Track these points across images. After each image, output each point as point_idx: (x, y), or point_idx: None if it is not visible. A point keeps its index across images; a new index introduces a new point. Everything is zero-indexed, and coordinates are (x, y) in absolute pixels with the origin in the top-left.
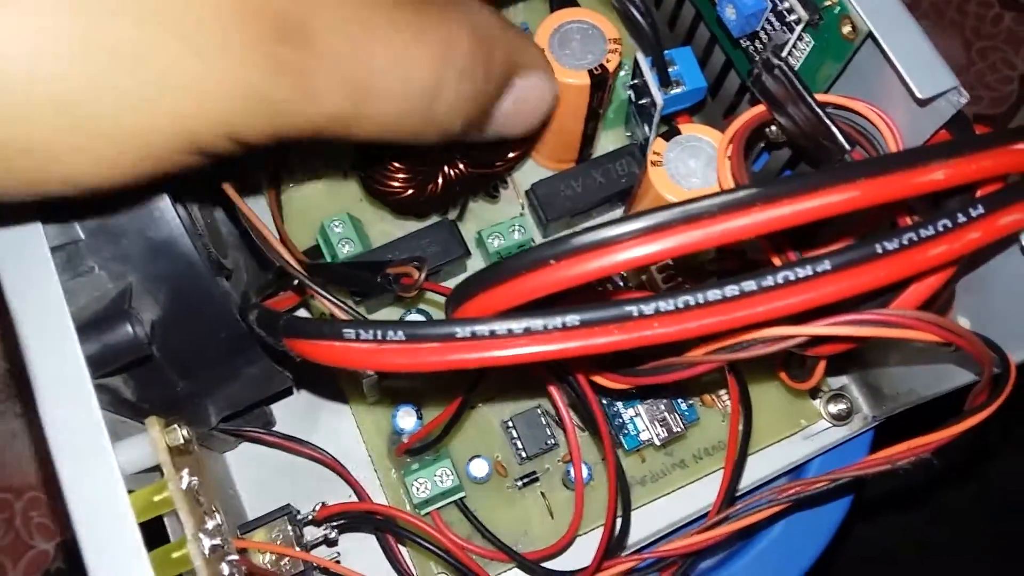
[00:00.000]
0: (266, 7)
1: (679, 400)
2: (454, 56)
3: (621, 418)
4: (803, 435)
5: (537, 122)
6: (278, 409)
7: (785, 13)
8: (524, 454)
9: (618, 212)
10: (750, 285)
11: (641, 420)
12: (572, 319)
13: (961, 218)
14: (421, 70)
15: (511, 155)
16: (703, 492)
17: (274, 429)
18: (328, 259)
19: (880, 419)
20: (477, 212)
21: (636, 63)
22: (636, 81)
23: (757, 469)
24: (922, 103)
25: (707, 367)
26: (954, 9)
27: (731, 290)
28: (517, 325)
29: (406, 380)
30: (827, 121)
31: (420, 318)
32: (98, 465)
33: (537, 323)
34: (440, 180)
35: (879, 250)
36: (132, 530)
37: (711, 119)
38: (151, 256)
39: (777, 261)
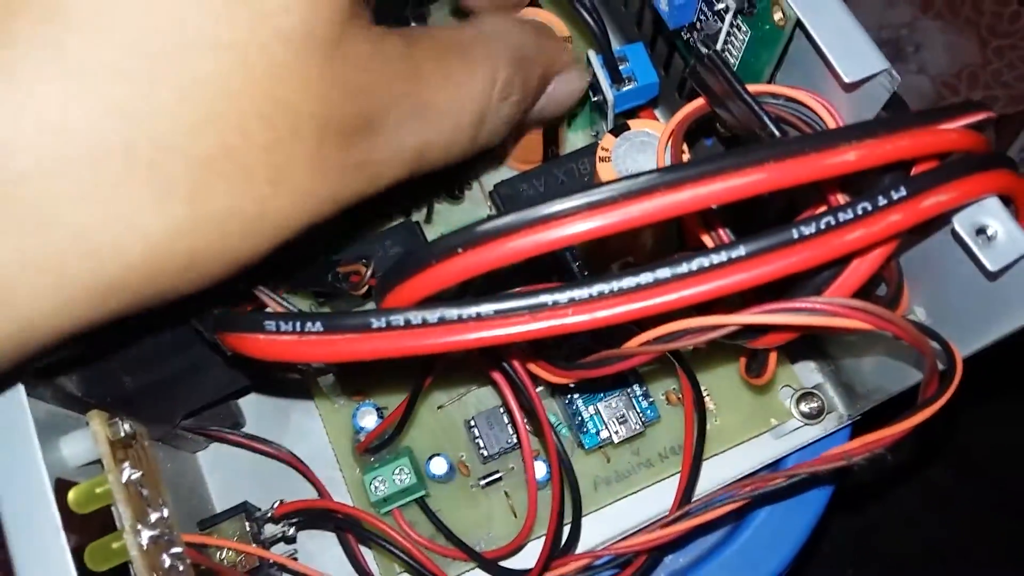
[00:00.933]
0: (337, 117)
1: (640, 398)
2: (497, 88)
3: (581, 416)
4: (774, 434)
5: (567, 109)
6: (251, 409)
7: (714, 2)
8: (486, 453)
9: None
10: (664, 272)
11: (600, 418)
12: (486, 308)
13: (882, 201)
14: (467, 115)
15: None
16: (671, 492)
17: (244, 429)
18: None
19: (855, 417)
20: (444, 214)
21: (589, 61)
22: (590, 79)
23: (729, 468)
24: (849, 87)
25: (643, 358)
26: (969, 7)
27: (645, 278)
28: (431, 315)
29: (364, 377)
30: (756, 108)
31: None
32: (25, 456)
33: (451, 312)
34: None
35: (795, 235)
36: (55, 521)
37: (671, 103)
38: None
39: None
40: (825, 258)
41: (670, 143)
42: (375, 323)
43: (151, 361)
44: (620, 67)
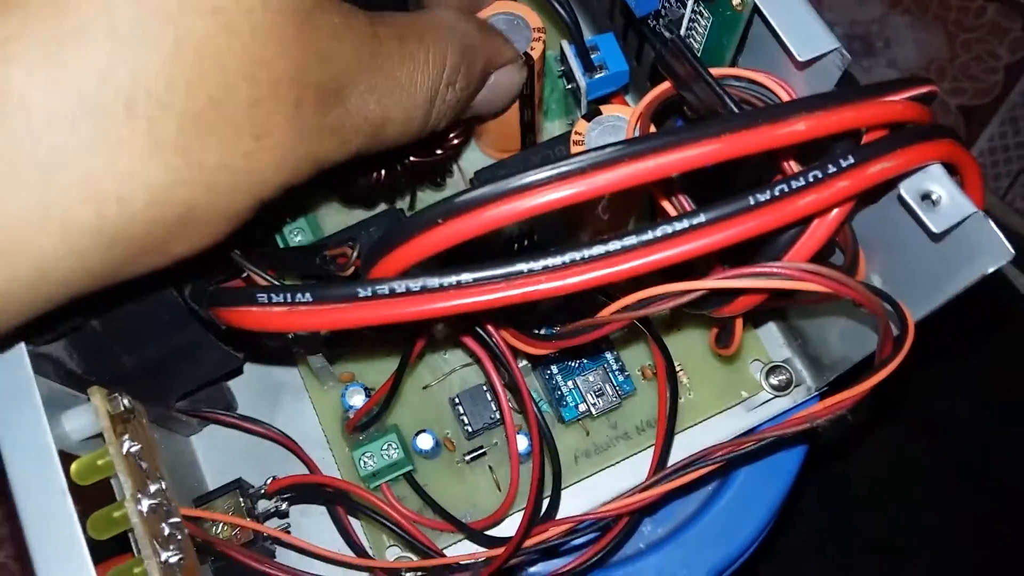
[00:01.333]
0: (313, 81)
1: (616, 372)
2: (446, 72)
3: (560, 390)
4: (745, 406)
5: (508, 102)
6: (243, 392)
7: None
8: (470, 429)
9: None
10: (631, 240)
11: (579, 392)
12: (466, 277)
13: (831, 169)
14: (421, 92)
15: (453, 143)
16: (647, 463)
17: (237, 411)
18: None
19: (822, 388)
20: (427, 201)
21: (562, 50)
22: (563, 67)
23: (702, 439)
24: (802, 65)
25: (616, 325)
26: (936, 3)
27: (613, 245)
28: (414, 284)
29: (353, 356)
30: (717, 89)
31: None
32: (32, 427)
33: (433, 281)
34: (384, 170)
35: (751, 202)
36: (61, 485)
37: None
38: None
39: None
40: (779, 222)
41: (638, 125)
42: (361, 292)
43: (148, 341)
44: (592, 56)
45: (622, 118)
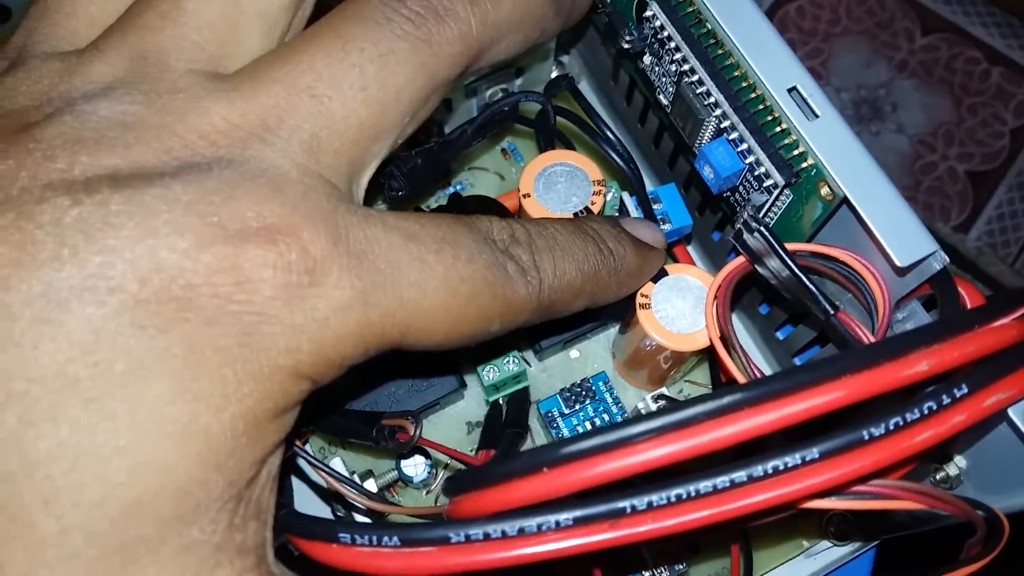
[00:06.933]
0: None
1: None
2: None
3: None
4: (805, 555)
5: None
6: None
7: (763, 177)
8: None
9: (612, 331)
10: (740, 476)
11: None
12: (566, 518)
13: (946, 399)
14: None
15: None
16: None
17: None
18: None
19: (879, 540)
20: None
21: (622, 203)
22: None
23: None
24: (902, 272)
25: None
26: (942, 67)
27: (722, 481)
28: (511, 527)
29: None
30: (811, 287)
31: (423, 461)
32: None
33: (531, 523)
34: None
35: (865, 436)
36: None
37: (704, 238)
38: None
39: None
40: (895, 459)
41: (717, 302)
42: (453, 537)
43: None
44: (654, 207)
45: (688, 280)
